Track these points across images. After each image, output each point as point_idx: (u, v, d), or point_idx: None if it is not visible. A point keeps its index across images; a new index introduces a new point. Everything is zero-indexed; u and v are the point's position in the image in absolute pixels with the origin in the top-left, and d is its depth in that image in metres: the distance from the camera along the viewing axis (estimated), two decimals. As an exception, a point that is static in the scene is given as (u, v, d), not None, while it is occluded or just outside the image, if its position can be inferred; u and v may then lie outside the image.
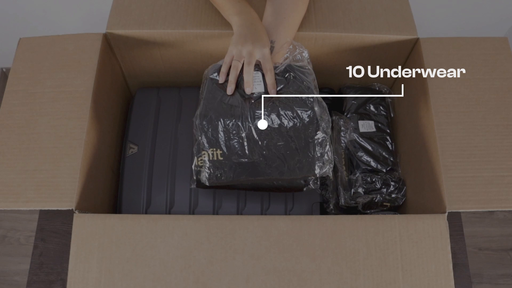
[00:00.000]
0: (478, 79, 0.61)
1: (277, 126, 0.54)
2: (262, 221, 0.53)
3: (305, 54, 0.59)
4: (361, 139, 0.70)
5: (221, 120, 0.53)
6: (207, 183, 0.58)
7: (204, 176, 0.57)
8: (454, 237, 0.74)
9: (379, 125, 0.72)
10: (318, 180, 0.62)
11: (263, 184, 0.61)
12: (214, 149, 0.55)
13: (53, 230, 0.75)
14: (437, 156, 0.57)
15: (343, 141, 0.70)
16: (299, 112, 0.53)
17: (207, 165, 0.56)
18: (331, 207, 0.67)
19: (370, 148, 0.70)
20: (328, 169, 0.57)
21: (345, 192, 0.67)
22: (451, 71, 0.61)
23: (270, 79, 0.55)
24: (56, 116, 0.58)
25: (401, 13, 0.66)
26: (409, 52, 0.68)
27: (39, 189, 0.54)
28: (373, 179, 0.67)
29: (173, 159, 0.67)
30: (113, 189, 0.70)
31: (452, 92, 0.60)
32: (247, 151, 0.55)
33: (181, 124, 0.70)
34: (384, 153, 0.70)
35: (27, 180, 0.54)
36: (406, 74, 0.70)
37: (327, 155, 0.56)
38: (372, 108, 0.73)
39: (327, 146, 0.56)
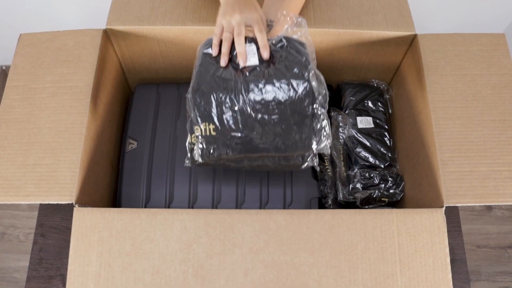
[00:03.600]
0: (475, 74, 0.61)
1: (271, 99, 0.52)
2: (261, 215, 0.53)
3: (304, 24, 0.57)
4: (359, 135, 0.71)
5: (214, 93, 0.52)
6: (200, 160, 0.56)
7: (197, 152, 0.55)
8: (452, 233, 0.74)
9: (377, 121, 0.72)
10: (317, 157, 0.59)
11: (259, 162, 0.59)
12: (207, 123, 0.53)
13: (53, 226, 0.75)
14: (434, 151, 0.57)
15: (341, 137, 0.70)
16: (294, 84, 0.52)
17: (200, 140, 0.54)
18: (330, 202, 0.68)
19: (368, 144, 0.70)
20: (325, 145, 0.55)
21: (343, 188, 0.68)
22: (449, 67, 0.62)
23: (261, 40, 0.53)
24: (56, 111, 0.58)
25: (399, 9, 0.67)
26: (407, 48, 0.68)
27: (39, 183, 0.54)
28: (371, 175, 0.67)
29: (172, 154, 0.67)
30: (112, 184, 0.70)
31: (450, 87, 0.60)
32: (240, 125, 0.53)
33: (181, 120, 0.70)
34: (382, 149, 0.70)
35: (27, 174, 0.55)
36: (403, 70, 0.71)
37: (325, 130, 0.54)
38: (370, 104, 0.74)
39: (325, 121, 0.54)
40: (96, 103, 0.60)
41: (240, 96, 0.52)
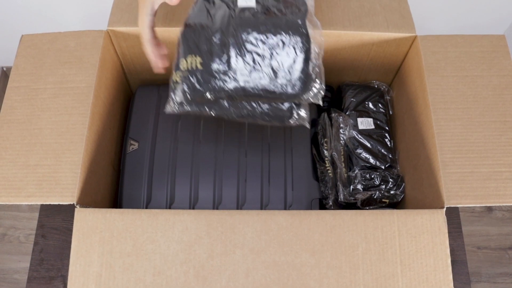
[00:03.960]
0: (475, 76, 0.61)
1: (263, 36, 0.50)
2: (262, 216, 0.54)
3: None
4: (360, 136, 0.71)
5: (205, 28, 0.51)
6: (181, 99, 0.53)
7: (179, 90, 0.52)
8: (453, 234, 0.74)
9: (378, 122, 0.72)
10: (307, 111, 0.55)
11: (245, 111, 0.55)
12: (194, 56, 0.51)
13: (54, 226, 0.75)
14: (435, 152, 0.57)
15: (342, 138, 0.71)
16: (289, 23, 0.50)
17: (184, 74, 0.51)
18: (330, 203, 0.68)
19: (369, 145, 0.70)
20: (316, 94, 0.52)
21: (344, 189, 0.68)
22: (449, 68, 0.62)
23: None
24: (58, 112, 0.58)
25: (399, 11, 0.67)
26: (407, 50, 0.68)
27: (40, 184, 0.54)
28: (372, 176, 0.68)
29: (174, 155, 0.67)
30: (113, 185, 0.70)
31: (450, 89, 0.61)
32: (228, 60, 0.50)
33: (182, 121, 0.70)
34: (383, 150, 0.70)
35: (29, 175, 0.55)
36: (404, 72, 0.71)
37: (318, 78, 0.52)
38: (371, 105, 0.74)
39: (319, 69, 0.52)
40: (97, 104, 0.61)
41: (231, 31, 0.50)
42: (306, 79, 0.51)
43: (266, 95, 0.52)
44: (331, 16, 0.66)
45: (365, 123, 0.72)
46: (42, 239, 0.74)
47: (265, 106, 0.55)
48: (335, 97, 0.79)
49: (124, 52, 0.70)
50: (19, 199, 0.54)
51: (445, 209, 0.54)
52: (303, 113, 0.55)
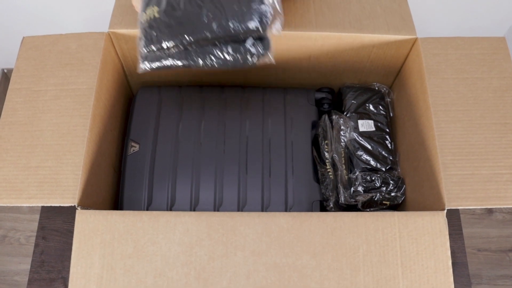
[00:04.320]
0: (476, 78, 0.62)
1: None
2: (263, 218, 0.54)
3: None
4: (360, 138, 0.71)
5: None
6: (145, 49, 0.53)
7: (142, 42, 0.53)
8: (453, 236, 0.74)
9: (379, 124, 0.72)
10: (271, 43, 0.54)
11: (207, 57, 0.54)
12: (152, 7, 0.52)
13: (54, 228, 0.75)
14: (436, 154, 0.57)
15: (343, 140, 0.71)
16: None
17: (144, 26, 0.53)
18: (331, 205, 0.68)
19: (369, 147, 0.70)
20: (275, 25, 0.52)
21: (345, 191, 0.68)
22: (450, 70, 0.62)
23: None
24: (59, 113, 0.58)
25: (400, 13, 0.67)
26: (408, 52, 0.68)
27: (41, 185, 0.54)
28: (373, 178, 0.68)
29: (175, 157, 0.67)
30: (114, 187, 0.70)
31: (451, 91, 0.61)
32: (182, 4, 0.51)
33: (183, 123, 0.70)
34: (383, 152, 0.70)
35: (30, 177, 0.55)
36: (405, 74, 0.71)
37: (275, 5, 0.51)
38: (371, 107, 0.74)
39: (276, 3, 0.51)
40: (98, 106, 0.61)
41: None
42: (262, 11, 0.51)
43: (223, 33, 0.52)
44: (332, 18, 0.66)
45: (365, 125, 0.72)
46: (43, 241, 0.74)
47: (227, 47, 0.54)
48: (335, 99, 0.79)
49: (125, 54, 0.70)
50: (20, 200, 0.54)
51: (445, 211, 0.54)
52: (266, 46, 0.54)
